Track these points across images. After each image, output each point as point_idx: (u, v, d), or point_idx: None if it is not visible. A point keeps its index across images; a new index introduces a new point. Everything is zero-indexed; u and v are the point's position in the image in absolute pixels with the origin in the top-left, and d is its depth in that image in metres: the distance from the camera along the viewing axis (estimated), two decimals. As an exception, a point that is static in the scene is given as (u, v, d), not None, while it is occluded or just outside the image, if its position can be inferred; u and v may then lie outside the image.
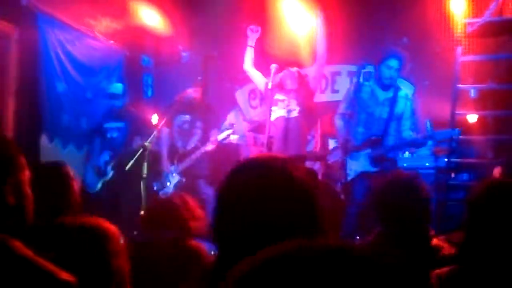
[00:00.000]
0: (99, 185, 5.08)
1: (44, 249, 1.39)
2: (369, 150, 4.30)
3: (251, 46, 4.79)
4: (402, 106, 4.32)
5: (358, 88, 4.21)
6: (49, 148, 5.11)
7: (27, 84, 4.99)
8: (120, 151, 5.06)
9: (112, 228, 1.64)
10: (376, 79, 4.35)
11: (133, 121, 5.17)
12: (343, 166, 4.25)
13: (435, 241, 2.24)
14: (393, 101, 4.28)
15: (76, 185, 2.34)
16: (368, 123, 4.35)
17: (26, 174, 1.45)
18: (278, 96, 4.61)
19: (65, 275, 1.34)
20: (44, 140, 5.10)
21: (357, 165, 4.34)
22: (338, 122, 4.44)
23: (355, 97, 4.20)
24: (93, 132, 5.35)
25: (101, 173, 5.11)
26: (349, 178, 4.32)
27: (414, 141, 4.24)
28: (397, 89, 4.34)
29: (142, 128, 5.09)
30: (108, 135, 5.21)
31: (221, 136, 4.86)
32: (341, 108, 4.45)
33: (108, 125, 5.23)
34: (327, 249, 0.62)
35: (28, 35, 4.93)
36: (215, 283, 1.15)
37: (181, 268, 2.17)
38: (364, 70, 4.31)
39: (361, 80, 4.33)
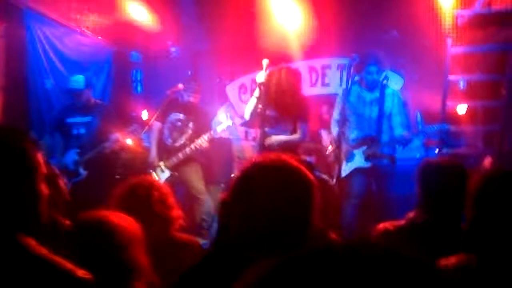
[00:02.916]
0: (68, 186, 4.45)
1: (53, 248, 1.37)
2: (364, 147, 4.41)
3: (256, 97, 4.45)
4: (389, 103, 4.42)
5: (346, 93, 4.26)
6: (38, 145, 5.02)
7: (15, 80, 4.93)
8: (91, 148, 4.59)
9: (120, 221, 1.61)
10: (360, 82, 4.48)
11: (103, 116, 4.72)
12: (338, 162, 4.31)
13: None
14: (381, 100, 4.39)
15: (62, 183, 2.27)
16: (359, 124, 4.46)
17: (42, 172, 1.41)
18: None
19: (81, 273, 1.34)
20: (33, 136, 5.03)
21: (352, 162, 4.44)
22: (334, 129, 4.50)
23: (345, 102, 4.26)
24: (53, 129, 4.83)
25: (70, 174, 4.54)
26: (344, 173, 4.39)
27: (404, 138, 4.33)
28: (383, 88, 4.43)
29: (117, 123, 4.76)
30: (74, 132, 4.69)
31: (220, 128, 4.84)
32: (335, 115, 4.53)
33: (72, 120, 4.72)
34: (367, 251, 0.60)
35: (15, 32, 4.86)
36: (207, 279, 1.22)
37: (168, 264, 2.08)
38: (355, 63, 4.31)
39: (350, 81, 4.34)
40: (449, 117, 4.79)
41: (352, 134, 4.47)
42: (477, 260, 1.67)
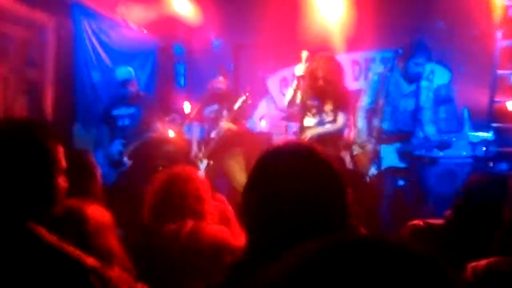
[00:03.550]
0: (114, 177, 4.70)
1: None
2: (398, 145, 4.16)
3: (293, 89, 4.42)
4: (424, 97, 4.15)
5: (385, 80, 4.07)
6: (83, 137, 5.18)
7: (64, 73, 5.12)
8: (134, 139, 4.74)
9: (91, 209, 1.66)
10: (402, 72, 4.15)
11: (146, 107, 4.84)
12: (376, 157, 4.17)
13: None
14: (417, 93, 4.11)
15: (99, 174, 2.34)
16: (394, 116, 4.18)
17: (62, 165, 1.45)
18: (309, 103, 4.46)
19: (90, 261, 1.36)
20: (79, 129, 5.22)
21: (385, 159, 4.20)
22: (360, 121, 4.27)
23: (382, 90, 4.07)
24: (100, 120, 4.99)
25: (116, 164, 4.72)
26: (375, 171, 4.19)
27: (441, 142, 4.08)
28: (420, 79, 4.15)
29: (159, 115, 4.85)
30: (119, 123, 4.83)
31: (236, 105, 4.83)
32: (365, 103, 4.26)
33: (117, 112, 4.86)
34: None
35: (64, 25, 5.05)
36: (246, 275, 1.12)
37: (202, 262, 2.04)
38: (400, 54, 4.11)
39: (388, 70, 4.17)
40: (497, 114, 4.57)
41: (384, 125, 4.17)
42: (509, 263, 1.60)
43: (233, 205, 5.11)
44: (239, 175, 5.09)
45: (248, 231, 1.24)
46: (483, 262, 1.67)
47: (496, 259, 1.66)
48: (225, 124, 4.89)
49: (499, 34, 4.26)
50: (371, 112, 4.10)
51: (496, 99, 4.39)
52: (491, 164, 5.13)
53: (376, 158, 4.19)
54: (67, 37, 5.12)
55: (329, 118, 4.34)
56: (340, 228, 1.17)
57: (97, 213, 1.68)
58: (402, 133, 4.16)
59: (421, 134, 4.17)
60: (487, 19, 4.59)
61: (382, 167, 4.16)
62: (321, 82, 4.22)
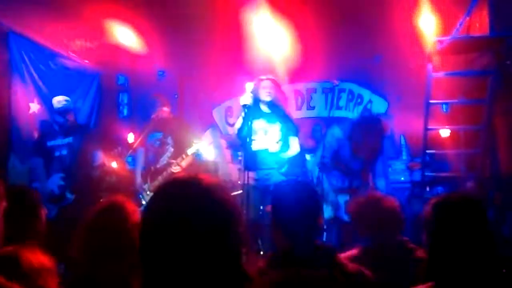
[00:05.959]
0: (55, 211, 4.42)
1: None
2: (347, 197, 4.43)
3: (242, 118, 4.37)
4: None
5: (340, 144, 4.42)
6: (18, 170, 4.95)
7: (0, 104, 4.89)
8: (74, 172, 4.51)
9: (30, 254, 1.62)
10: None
11: (86, 138, 4.62)
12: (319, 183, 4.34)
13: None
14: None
15: (44, 212, 2.22)
16: (346, 172, 4.51)
17: (2, 205, 1.41)
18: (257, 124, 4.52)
19: None
20: (13, 161, 4.98)
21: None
22: (314, 171, 4.59)
23: (337, 152, 4.39)
24: (33, 152, 4.68)
25: (57, 199, 4.45)
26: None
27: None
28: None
29: (101, 145, 4.69)
30: (56, 153, 4.57)
31: (190, 151, 4.77)
32: (321, 157, 4.50)
33: (53, 142, 4.60)
34: None
35: (0, 55, 4.86)
36: None
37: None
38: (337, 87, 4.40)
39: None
40: (432, 141, 4.84)
41: (337, 182, 4.52)
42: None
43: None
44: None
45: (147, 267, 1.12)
46: (422, 286, 1.72)
47: (424, 285, 1.71)
48: (175, 169, 4.79)
49: (430, 66, 4.54)
50: (324, 167, 4.30)
51: (430, 127, 4.64)
52: (427, 188, 5.40)
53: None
54: (2, 67, 4.93)
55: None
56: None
57: (36, 256, 1.64)
58: (352, 188, 4.45)
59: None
60: (420, 52, 4.89)
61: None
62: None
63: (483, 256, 1.67)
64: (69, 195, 4.46)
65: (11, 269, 1.54)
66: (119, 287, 1.90)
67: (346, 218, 4.24)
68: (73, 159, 4.54)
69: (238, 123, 4.53)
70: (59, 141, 4.59)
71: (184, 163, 4.75)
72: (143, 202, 4.95)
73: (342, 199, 4.49)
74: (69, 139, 4.57)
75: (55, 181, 4.48)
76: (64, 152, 4.55)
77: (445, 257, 1.70)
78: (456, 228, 1.72)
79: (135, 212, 2.09)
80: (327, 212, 4.41)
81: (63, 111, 4.57)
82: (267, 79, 4.38)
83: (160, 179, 4.89)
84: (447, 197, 1.94)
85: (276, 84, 4.42)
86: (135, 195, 5.02)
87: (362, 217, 2.51)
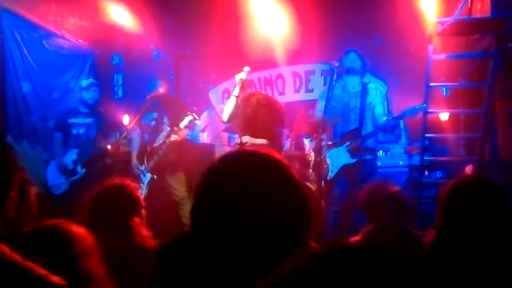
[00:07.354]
0: (66, 186, 4.77)
1: None
2: (347, 143, 4.38)
3: (235, 96, 4.48)
4: (373, 95, 4.44)
5: (331, 87, 4.31)
6: (29, 155, 5.00)
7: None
8: (89, 149, 4.81)
9: (75, 230, 1.57)
10: (343, 74, 4.47)
11: (103, 120, 4.95)
12: (323, 164, 4.35)
13: None
14: (363, 92, 4.41)
15: (33, 191, 2.21)
16: (345, 113, 4.43)
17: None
18: None
19: (55, 279, 1.31)
20: (10, 142, 4.91)
21: (338, 160, 4.40)
22: (317, 118, 4.49)
23: (330, 96, 4.27)
24: (54, 127, 5.04)
25: (69, 173, 4.79)
26: (332, 174, 4.37)
27: (386, 123, 4.26)
28: (366, 83, 4.49)
29: (112, 129, 4.90)
30: (74, 131, 4.91)
31: (183, 124, 4.71)
32: (319, 107, 4.46)
33: (73, 120, 4.94)
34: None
35: (-9, 34, 4.76)
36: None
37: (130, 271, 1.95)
38: (337, 69, 4.35)
39: (334, 78, 4.36)
40: (431, 125, 4.78)
41: (337, 128, 4.47)
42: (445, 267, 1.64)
43: (172, 218, 5.01)
44: (180, 189, 5.00)
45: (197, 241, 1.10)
46: None
47: None
48: (169, 141, 4.75)
49: (430, 48, 4.45)
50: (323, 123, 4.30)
51: (430, 110, 4.57)
52: (426, 173, 5.36)
53: (329, 161, 4.41)
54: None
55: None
56: (297, 241, 1.07)
57: (81, 235, 1.61)
58: (351, 132, 4.38)
59: (370, 130, 4.39)
60: (420, 34, 4.80)
61: (337, 168, 4.36)
62: (254, 120, 4.32)
63: (496, 240, 1.67)
64: (79, 170, 4.80)
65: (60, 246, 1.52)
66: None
67: None
68: (89, 138, 4.90)
69: (230, 104, 4.49)
70: (80, 120, 4.96)
71: (180, 134, 4.73)
72: (141, 184, 4.92)
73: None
74: (89, 120, 4.95)
75: (70, 156, 4.84)
76: (82, 131, 4.92)
77: (458, 238, 1.69)
78: (474, 210, 1.71)
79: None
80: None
81: (91, 96, 4.96)
82: None
83: (155, 159, 4.87)
84: (471, 179, 1.93)
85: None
86: (133, 175, 4.98)
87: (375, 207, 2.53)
